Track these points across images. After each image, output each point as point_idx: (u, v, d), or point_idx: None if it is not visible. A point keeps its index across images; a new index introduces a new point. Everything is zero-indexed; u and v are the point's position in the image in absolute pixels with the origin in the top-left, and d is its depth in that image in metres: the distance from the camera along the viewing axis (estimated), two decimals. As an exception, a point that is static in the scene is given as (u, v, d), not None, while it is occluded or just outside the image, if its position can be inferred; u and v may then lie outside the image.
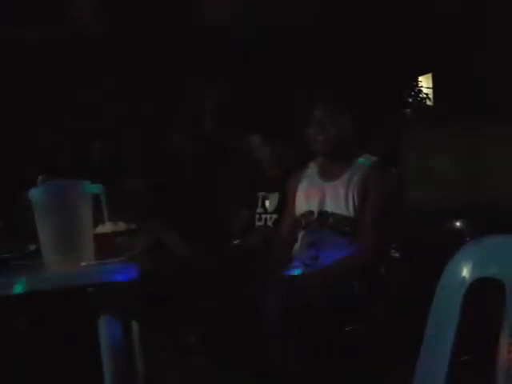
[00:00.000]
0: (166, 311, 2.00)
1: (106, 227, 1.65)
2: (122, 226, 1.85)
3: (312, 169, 2.01)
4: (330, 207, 1.84)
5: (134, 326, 1.76)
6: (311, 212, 1.88)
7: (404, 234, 2.07)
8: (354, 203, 1.80)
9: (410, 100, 5.20)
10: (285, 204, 2.14)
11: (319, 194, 1.89)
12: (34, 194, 1.24)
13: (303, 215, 1.91)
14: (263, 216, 2.47)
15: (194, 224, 2.80)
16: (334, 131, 1.86)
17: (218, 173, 3.52)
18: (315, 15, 3.82)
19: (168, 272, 2.06)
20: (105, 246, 1.35)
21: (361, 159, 1.90)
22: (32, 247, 1.87)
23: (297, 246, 1.91)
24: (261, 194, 2.50)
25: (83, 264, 1.19)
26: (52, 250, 1.21)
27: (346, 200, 1.81)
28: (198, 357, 1.96)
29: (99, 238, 1.34)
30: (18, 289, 1.16)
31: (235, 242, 2.47)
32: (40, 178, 1.67)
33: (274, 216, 2.40)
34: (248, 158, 2.66)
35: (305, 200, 1.93)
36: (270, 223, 2.42)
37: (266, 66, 3.99)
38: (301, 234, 1.90)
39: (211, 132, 4.11)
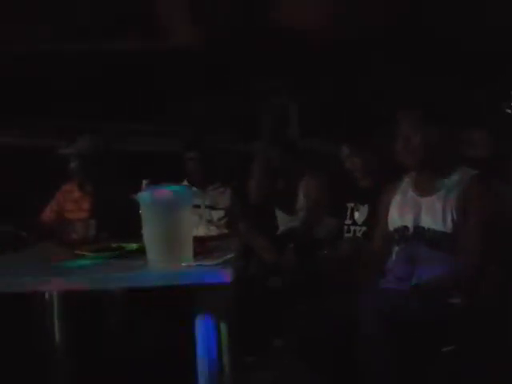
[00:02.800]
0: (255, 314, 2.04)
1: (200, 231, 1.72)
2: (214, 230, 1.92)
3: (406, 182, 1.95)
4: (426, 222, 1.78)
5: (223, 327, 1.81)
6: (406, 227, 1.84)
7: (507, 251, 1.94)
8: (452, 219, 1.73)
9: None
10: (376, 217, 2.09)
11: (414, 209, 1.83)
12: (142, 197, 1.33)
13: (397, 230, 1.87)
14: (352, 228, 2.44)
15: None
16: (419, 143, 1.79)
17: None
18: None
19: (259, 276, 2.10)
20: (199, 249, 1.41)
21: (458, 173, 1.81)
22: (104, 234, 2.01)
23: (391, 260, 1.87)
24: (350, 205, 2.48)
25: (184, 265, 1.25)
26: (156, 250, 1.28)
27: (444, 216, 1.74)
28: (286, 361, 1.97)
29: (194, 241, 1.40)
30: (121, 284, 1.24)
31: (323, 251, 2.46)
32: (145, 182, 1.79)
33: (363, 228, 2.37)
34: (337, 167, 2.64)
35: (398, 214, 1.89)
36: (358, 235, 2.39)
37: (359, 70, 3.92)
38: (395, 249, 1.86)
39: (296, 139, 4.12)
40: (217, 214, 2.96)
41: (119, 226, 2.06)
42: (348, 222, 2.46)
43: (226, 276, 1.19)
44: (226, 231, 1.98)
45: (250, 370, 2.01)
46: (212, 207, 2.96)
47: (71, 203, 2.89)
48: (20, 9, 3.45)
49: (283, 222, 2.88)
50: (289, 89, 4.34)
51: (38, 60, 3.82)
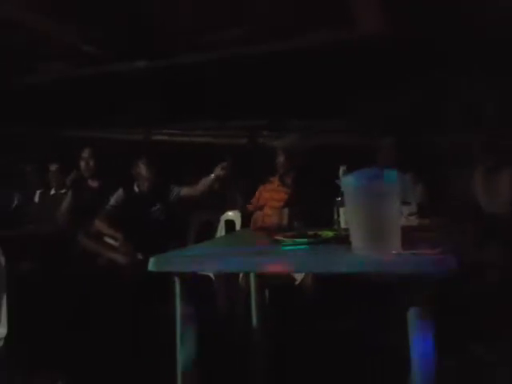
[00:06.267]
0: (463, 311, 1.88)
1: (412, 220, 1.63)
2: (414, 221, 1.82)
3: None
4: None
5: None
6: None
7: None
8: None
9: None
10: None
11: None
12: (345, 181, 1.31)
13: None
14: None
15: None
16: None
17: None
18: None
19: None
20: (407, 239, 1.33)
21: None
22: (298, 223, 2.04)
23: None
24: None
25: (393, 252, 1.19)
26: (362, 236, 1.24)
27: None
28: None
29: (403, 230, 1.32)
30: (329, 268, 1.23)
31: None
32: (342, 168, 1.77)
33: None
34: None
35: None
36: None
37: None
38: None
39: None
40: (407, 209, 2.81)
41: (312, 216, 2.11)
42: None
43: (452, 263, 1.08)
44: (427, 222, 1.86)
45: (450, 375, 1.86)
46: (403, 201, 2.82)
47: (269, 193, 3.09)
48: (212, 12, 3.72)
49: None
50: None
51: (234, 62, 4.12)
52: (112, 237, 2.96)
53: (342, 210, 1.76)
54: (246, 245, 1.78)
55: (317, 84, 3.94)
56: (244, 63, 4.04)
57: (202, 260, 1.41)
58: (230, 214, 3.43)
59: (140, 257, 2.85)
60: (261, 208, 3.09)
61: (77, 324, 2.52)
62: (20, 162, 4.80)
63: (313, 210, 2.27)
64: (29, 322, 2.33)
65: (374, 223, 1.22)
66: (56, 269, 2.86)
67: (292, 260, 1.32)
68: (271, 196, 3.06)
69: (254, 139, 4.48)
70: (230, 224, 3.33)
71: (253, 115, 4.36)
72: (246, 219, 3.21)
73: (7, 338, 1.97)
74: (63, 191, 3.74)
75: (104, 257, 2.92)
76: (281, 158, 3.02)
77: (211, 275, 2.84)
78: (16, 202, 4.22)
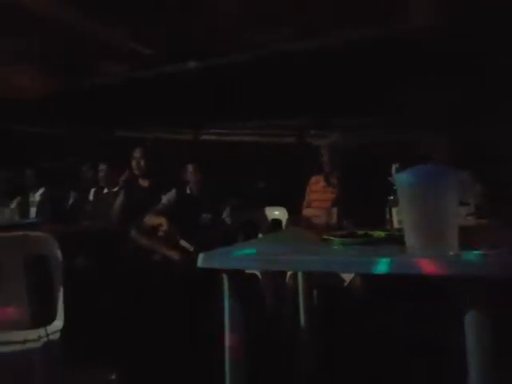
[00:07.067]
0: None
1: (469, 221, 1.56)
2: (471, 220, 1.74)
3: None
4: None
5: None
6: None
7: None
8: None
9: None
10: None
11: None
12: (400, 179, 1.26)
13: None
14: None
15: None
16: None
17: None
18: None
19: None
20: (466, 239, 1.26)
21: None
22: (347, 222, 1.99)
23: None
24: None
25: (450, 253, 1.14)
26: (417, 236, 1.19)
27: None
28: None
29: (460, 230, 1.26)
30: (380, 269, 1.19)
31: None
32: (395, 166, 1.72)
33: None
34: None
35: None
36: None
37: None
38: None
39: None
40: (465, 210, 2.70)
41: (361, 215, 2.06)
42: None
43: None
44: (485, 222, 1.78)
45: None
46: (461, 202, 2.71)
47: (315, 193, 3.06)
48: (260, 11, 3.71)
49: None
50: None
51: (282, 60, 4.10)
52: (158, 225, 3.00)
53: (394, 209, 1.71)
54: (294, 243, 1.76)
55: (365, 80, 3.86)
56: (291, 61, 4.02)
57: (251, 258, 1.41)
58: (277, 213, 3.42)
59: (184, 243, 2.87)
60: (308, 207, 3.07)
61: (130, 319, 2.58)
62: (76, 161, 5.00)
63: (361, 209, 2.22)
64: (83, 317, 2.41)
65: (430, 222, 1.17)
66: (110, 265, 2.94)
67: (343, 260, 1.29)
68: (318, 196, 3.03)
69: (302, 138, 4.45)
70: (276, 223, 3.32)
71: (300, 114, 4.33)
72: (293, 218, 3.19)
73: (63, 331, 2.04)
74: (115, 190, 3.85)
75: (157, 253, 2.97)
76: (325, 157, 2.98)
77: (258, 274, 2.84)
78: (72, 200, 4.39)
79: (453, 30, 3.57)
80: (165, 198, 3.26)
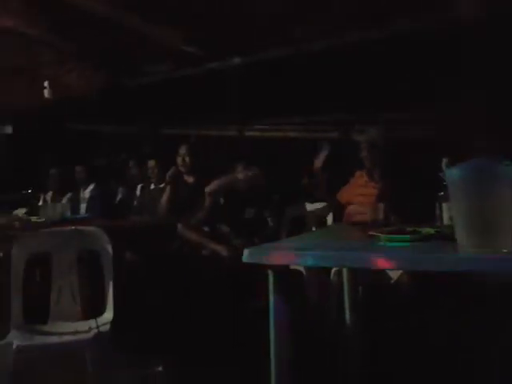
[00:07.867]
0: None
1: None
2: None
3: None
4: None
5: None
6: None
7: None
8: None
9: None
10: None
11: None
12: (451, 174, 1.21)
13: None
14: None
15: None
16: None
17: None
18: None
19: None
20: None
21: None
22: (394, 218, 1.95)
23: None
24: None
25: (504, 251, 1.09)
26: (470, 233, 1.15)
27: None
28: None
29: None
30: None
31: None
32: (445, 160, 1.67)
33: None
34: None
35: None
36: None
37: None
38: None
39: None
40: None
41: (409, 211, 2.01)
42: None
43: None
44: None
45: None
46: None
47: (360, 188, 3.02)
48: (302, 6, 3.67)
49: None
50: None
51: (323, 55, 4.06)
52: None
53: (444, 205, 1.65)
54: (340, 239, 1.73)
55: (408, 75, 3.76)
56: (334, 56, 3.98)
57: (296, 253, 1.40)
58: (319, 208, 3.38)
59: (226, 229, 2.91)
60: (350, 202, 3.03)
61: (178, 313, 2.62)
62: (124, 158, 5.13)
63: (409, 205, 2.16)
64: (132, 310, 2.47)
65: (483, 218, 1.12)
66: (158, 259, 3.00)
67: (394, 257, 1.25)
68: (361, 190, 2.98)
69: (346, 133, 4.38)
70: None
71: (344, 108, 4.27)
72: (338, 214, 3.16)
73: (112, 323, 2.09)
74: (162, 185, 3.92)
75: (205, 248, 3.01)
76: (365, 152, 2.94)
77: (302, 270, 2.82)
78: (120, 196, 4.51)
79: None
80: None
